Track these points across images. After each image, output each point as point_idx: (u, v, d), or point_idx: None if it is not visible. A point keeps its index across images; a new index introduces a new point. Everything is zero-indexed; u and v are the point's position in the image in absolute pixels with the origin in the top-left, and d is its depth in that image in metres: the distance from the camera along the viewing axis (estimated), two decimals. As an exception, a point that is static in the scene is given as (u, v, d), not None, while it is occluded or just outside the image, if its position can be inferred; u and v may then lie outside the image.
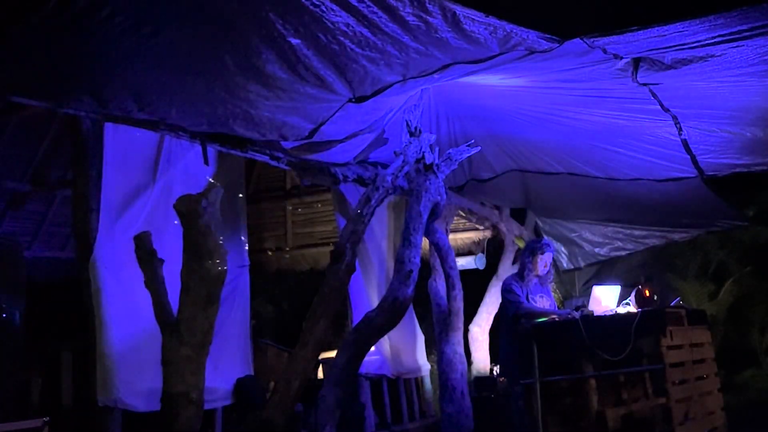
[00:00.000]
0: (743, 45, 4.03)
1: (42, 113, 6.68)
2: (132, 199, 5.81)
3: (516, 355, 5.20)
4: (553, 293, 5.68)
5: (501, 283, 8.70)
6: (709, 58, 4.26)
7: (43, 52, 3.44)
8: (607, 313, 5.02)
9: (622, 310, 5.10)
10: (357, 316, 7.43)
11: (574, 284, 10.25)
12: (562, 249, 9.51)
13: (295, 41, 3.69)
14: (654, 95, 5.10)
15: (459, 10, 3.51)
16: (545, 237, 5.77)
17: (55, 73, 3.71)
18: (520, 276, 5.55)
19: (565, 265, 9.70)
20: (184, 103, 4.26)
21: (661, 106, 5.30)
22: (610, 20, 3.73)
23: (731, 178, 6.66)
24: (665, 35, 3.89)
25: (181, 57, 3.74)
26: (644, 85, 4.86)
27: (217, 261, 5.79)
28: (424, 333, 8.50)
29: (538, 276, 5.54)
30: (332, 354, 6.06)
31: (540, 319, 5.16)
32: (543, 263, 5.52)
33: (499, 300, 8.75)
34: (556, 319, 5.05)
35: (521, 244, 9.26)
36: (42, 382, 6.48)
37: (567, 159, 6.89)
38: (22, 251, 5.73)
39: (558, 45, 3.90)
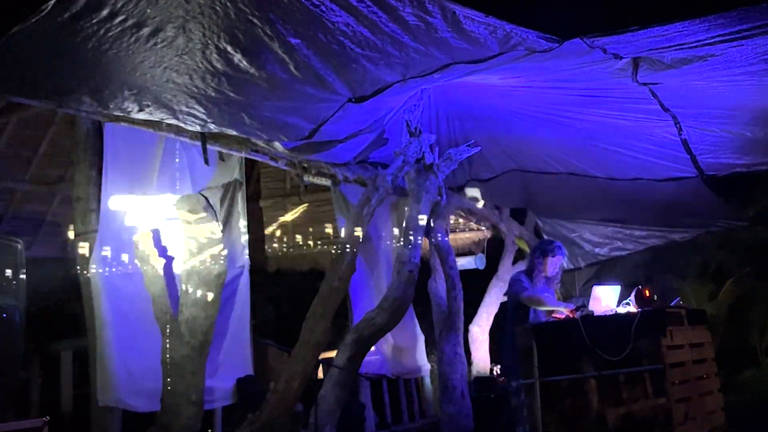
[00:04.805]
0: (743, 44, 4.04)
1: (42, 113, 6.69)
2: (132, 199, 5.81)
3: (518, 352, 5.20)
4: (555, 294, 5.68)
5: (501, 283, 8.76)
6: (709, 58, 4.26)
7: (43, 52, 3.45)
8: (607, 313, 5.02)
9: (622, 310, 5.09)
10: (357, 316, 7.42)
11: (574, 284, 10.24)
12: (564, 249, 9.49)
13: (295, 41, 3.69)
14: (654, 95, 5.10)
15: (459, 10, 3.51)
16: (557, 240, 5.81)
17: (55, 73, 3.71)
18: (528, 274, 5.55)
19: (565, 265, 9.68)
20: (184, 103, 4.26)
21: (661, 105, 5.31)
22: (610, 20, 3.73)
23: (731, 178, 6.65)
24: (665, 35, 3.89)
25: (180, 57, 3.74)
26: (644, 84, 4.86)
27: (218, 261, 5.80)
28: (424, 333, 8.49)
29: (546, 277, 5.54)
30: (332, 354, 6.05)
31: (542, 308, 5.19)
32: (553, 265, 5.51)
33: (499, 300, 8.79)
34: (564, 313, 5.04)
35: (521, 244, 9.26)
36: (42, 382, 6.48)
37: (567, 159, 6.90)
38: (22, 251, 5.72)
39: (558, 45, 3.90)
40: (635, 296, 5.15)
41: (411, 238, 6.05)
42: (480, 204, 8.37)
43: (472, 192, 7.95)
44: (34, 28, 3.16)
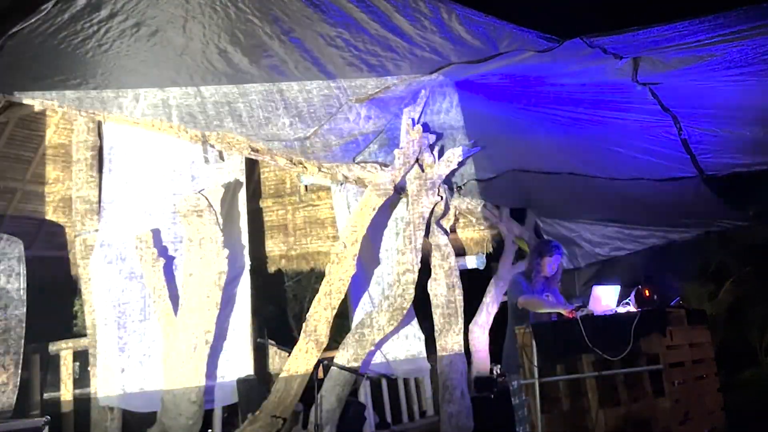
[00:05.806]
0: (743, 44, 4.04)
1: (42, 113, 6.69)
2: (132, 199, 5.82)
3: (518, 352, 5.20)
4: (559, 290, 5.69)
5: (501, 283, 8.76)
6: (709, 58, 4.27)
7: (43, 52, 3.45)
8: (607, 313, 5.02)
9: (622, 310, 5.09)
10: (357, 316, 7.43)
11: (574, 284, 10.24)
12: (562, 249, 9.47)
13: (295, 41, 3.70)
14: (654, 95, 5.10)
15: (459, 10, 3.52)
16: (554, 240, 5.83)
17: (56, 73, 3.72)
18: (527, 275, 5.56)
19: (565, 265, 9.67)
20: (184, 103, 4.26)
21: (661, 105, 5.30)
22: (610, 20, 3.73)
23: (731, 178, 6.64)
24: (665, 35, 3.89)
25: (180, 57, 3.74)
26: (644, 84, 4.86)
27: (218, 261, 5.79)
28: (424, 333, 8.49)
29: (545, 277, 5.55)
30: (332, 354, 6.06)
31: (539, 310, 5.19)
32: (550, 265, 5.52)
33: (499, 300, 8.79)
34: (561, 312, 5.04)
35: (521, 244, 9.26)
36: (42, 382, 6.47)
37: (567, 159, 6.89)
38: (22, 251, 5.72)
39: (557, 45, 3.90)
40: (635, 296, 5.15)
41: (411, 238, 6.05)
42: (480, 204, 8.37)
43: (472, 192, 7.95)
44: (35, 28, 3.17)
